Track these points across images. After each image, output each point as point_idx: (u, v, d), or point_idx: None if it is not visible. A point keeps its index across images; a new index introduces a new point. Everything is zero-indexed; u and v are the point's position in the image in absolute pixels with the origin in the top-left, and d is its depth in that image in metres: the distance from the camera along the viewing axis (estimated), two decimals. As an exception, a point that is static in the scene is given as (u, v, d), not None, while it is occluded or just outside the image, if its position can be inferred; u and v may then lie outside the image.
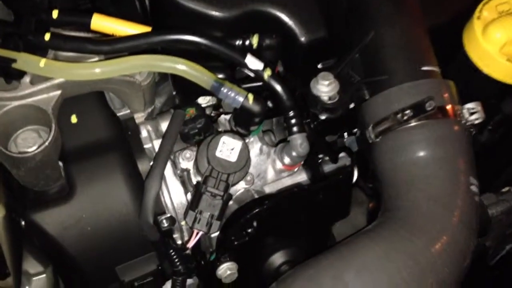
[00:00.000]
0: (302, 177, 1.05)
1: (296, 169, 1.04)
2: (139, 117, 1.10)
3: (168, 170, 1.04)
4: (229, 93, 0.91)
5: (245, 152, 0.89)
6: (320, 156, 1.00)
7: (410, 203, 0.84)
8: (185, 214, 0.88)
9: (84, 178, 0.95)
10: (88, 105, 1.00)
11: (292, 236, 0.93)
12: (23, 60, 0.86)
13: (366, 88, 0.96)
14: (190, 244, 0.88)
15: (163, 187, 1.05)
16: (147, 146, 1.06)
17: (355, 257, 0.79)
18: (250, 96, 0.92)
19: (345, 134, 1.10)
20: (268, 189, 1.02)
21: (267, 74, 0.93)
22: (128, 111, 1.08)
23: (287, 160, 0.98)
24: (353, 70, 0.98)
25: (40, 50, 0.91)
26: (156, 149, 1.04)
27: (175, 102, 1.24)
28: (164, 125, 1.09)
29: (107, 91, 1.03)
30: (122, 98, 1.04)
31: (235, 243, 0.88)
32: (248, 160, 0.89)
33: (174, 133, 0.91)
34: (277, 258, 0.92)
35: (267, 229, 0.91)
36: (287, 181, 1.03)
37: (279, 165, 1.01)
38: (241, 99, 0.91)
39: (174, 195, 1.04)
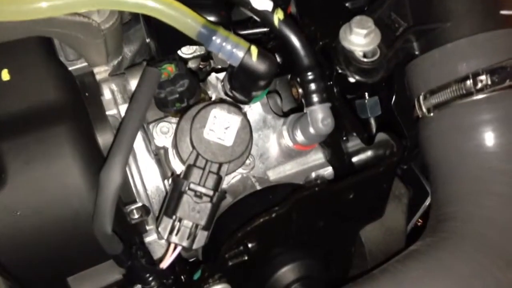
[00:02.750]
0: (318, 158, 0.78)
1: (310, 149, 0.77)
2: (100, 72, 0.83)
3: (140, 145, 0.78)
4: (224, 44, 0.64)
5: (244, 132, 0.62)
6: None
7: (480, 211, 0.58)
8: (158, 220, 0.62)
9: (19, 159, 0.68)
10: (26, 56, 0.72)
11: (306, 245, 0.67)
12: None
13: (416, 40, 0.68)
14: (165, 264, 0.62)
15: (133, 166, 0.79)
16: (110, 112, 0.79)
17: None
18: (254, 50, 0.64)
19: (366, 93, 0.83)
20: (272, 175, 0.76)
21: (277, 17, 0.65)
22: (85, 63, 0.80)
23: (300, 138, 0.71)
24: (398, 14, 0.70)
25: None
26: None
27: (152, 52, 0.95)
28: (134, 84, 0.81)
29: (52, 37, 0.74)
30: (76, 47, 0.76)
31: (230, 263, 0.62)
32: (249, 143, 0.62)
33: (145, 98, 0.63)
34: (286, 275, 0.66)
35: (273, 240, 0.65)
36: (298, 165, 0.77)
37: (288, 143, 0.74)
38: (241, 53, 0.64)
39: (148, 178, 0.79)
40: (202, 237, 0.60)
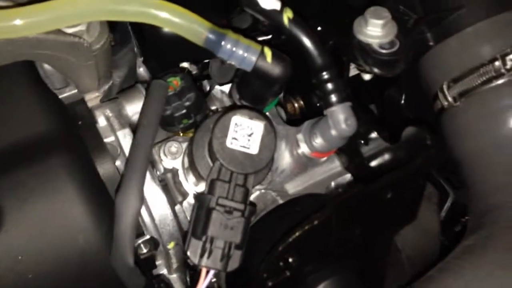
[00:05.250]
0: (334, 166, 0.74)
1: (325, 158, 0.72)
2: (91, 98, 0.76)
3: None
4: (235, 49, 0.59)
5: (269, 138, 0.57)
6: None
7: None
8: (186, 242, 0.55)
9: (15, 198, 0.61)
10: (11, 84, 0.65)
11: (341, 257, 0.62)
12: None
13: (429, 30, 0.65)
14: (198, 292, 0.56)
15: (137, 197, 0.72)
16: (108, 139, 0.72)
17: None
18: (268, 52, 0.59)
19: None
20: (291, 188, 0.71)
21: (287, 16, 0.61)
22: (75, 90, 0.74)
23: (320, 144, 0.66)
24: (406, 6, 0.67)
25: None
26: (122, 143, 0.72)
27: (137, 77, 0.90)
28: (130, 108, 0.76)
29: (39, 61, 0.68)
30: (65, 71, 0.70)
31: (270, 284, 0.56)
32: (274, 150, 0.57)
33: (155, 115, 0.57)
34: (324, 292, 0.61)
35: (314, 252, 0.59)
36: (316, 175, 0.72)
37: (305, 152, 0.69)
38: (254, 57, 0.59)
39: (154, 207, 0.72)
40: (236, 258, 0.54)
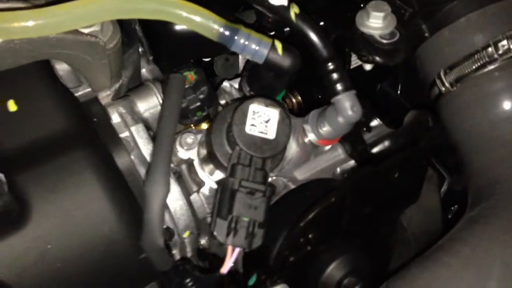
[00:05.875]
0: (338, 154, 0.78)
1: (329, 146, 0.77)
2: (103, 97, 0.79)
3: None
4: (247, 43, 0.63)
5: (285, 124, 0.61)
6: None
7: None
8: (212, 224, 0.59)
9: (42, 191, 0.63)
10: (30, 83, 0.68)
11: (353, 236, 0.66)
12: None
13: (425, 22, 0.70)
14: (225, 268, 0.59)
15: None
16: (122, 135, 0.75)
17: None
18: (278, 44, 0.64)
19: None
20: (299, 175, 0.75)
21: (293, 12, 0.65)
22: (88, 89, 0.77)
23: (327, 131, 0.70)
24: (402, 1, 0.72)
25: None
26: (136, 137, 0.75)
27: (141, 78, 0.93)
28: (141, 105, 0.79)
29: (57, 60, 0.71)
30: (81, 69, 0.73)
31: (291, 259, 0.59)
32: (290, 135, 0.61)
33: (176, 106, 0.61)
34: (337, 270, 0.65)
35: (330, 229, 0.63)
36: (322, 162, 0.76)
37: (312, 140, 0.73)
38: (265, 50, 0.63)
39: (170, 199, 0.75)
40: (259, 236, 0.58)
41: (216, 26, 0.63)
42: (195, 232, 0.77)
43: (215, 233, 0.57)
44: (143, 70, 0.95)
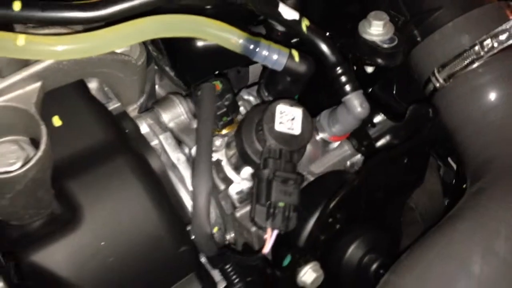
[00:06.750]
0: (346, 149, 0.87)
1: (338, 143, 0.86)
2: (131, 111, 0.87)
3: (186, 171, 0.82)
4: (268, 53, 0.72)
5: (308, 121, 0.70)
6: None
7: None
8: (252, 211, 0.67)
9: (91, 194, 0.70)
10: (70, 101, 0.75)
11: (369, 217, 0.75)
12: (-6, 40, 0.60)
13: (416, 28, 0.80)
14: (267, 249, 0.67)
15: (182, 190, 0.83)
16: (152, 143, 0.83)
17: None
18: (295, 53, 0.73)
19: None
20: (315, 169, 0.83)
21: (305, 25, 0.75)
22: (118, 104, 0.84)
23: (338, 128, 0.79)
24: (394, 10, 0.82)
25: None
26: (165, 144, 0.83)
27: (155, 94, 1.02)
28: (166, 116, 0.87)
29: (95, 78, 0.79)
30: (114, 85, 0.81)
31: (322, 237, 0.68)
32: (313, 130, 0.70)
33: (211, 110, 0.69)
34: (357, 249, 0.74)
35: (350, 212, 0.72)
36: (333, 157, 0.85)
37: (324, 137, 0.82)
38: (284, 58, 0.72)
39: (199, 198, 0.82)
40: (294, 219, 0.66)
41: (241, 41, 0.71)
42: (223, 228, 0.84)
43: (256, 218, 0.65)
44: (156, 87, 1.04)
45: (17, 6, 0.63)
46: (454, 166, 0.97)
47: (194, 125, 0.86)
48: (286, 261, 0.70)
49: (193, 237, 0.69)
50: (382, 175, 0.73)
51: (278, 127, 0.68)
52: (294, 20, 0.75)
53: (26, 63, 0.68)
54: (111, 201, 0.71)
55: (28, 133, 0.70)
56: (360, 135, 0.84)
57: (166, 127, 0.86)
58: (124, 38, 0.68)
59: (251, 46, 0.71)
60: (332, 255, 0.74)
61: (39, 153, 0.64)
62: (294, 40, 0.86)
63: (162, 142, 0.84)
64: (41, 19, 0.64)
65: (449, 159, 0.98)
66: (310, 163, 0.83)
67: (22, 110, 0.67)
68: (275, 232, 0.66)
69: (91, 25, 0.71)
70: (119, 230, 0.71)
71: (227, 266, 0.71)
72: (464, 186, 0.78)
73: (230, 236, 0.86)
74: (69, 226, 0.69)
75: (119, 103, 0.84)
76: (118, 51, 0.77)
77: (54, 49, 0.63)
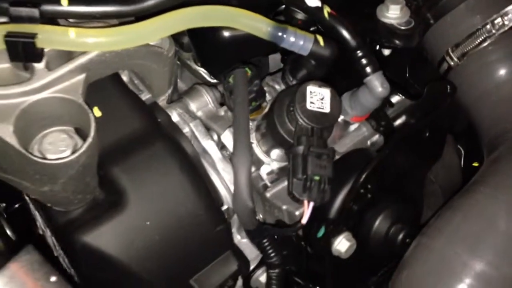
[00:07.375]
0: (366, 129, 0.92)
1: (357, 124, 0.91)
2: (160, 101, 0.91)
3: (215, 154, 0.87)
4: (295, 39, 0.76)
5: (336, 100, 0.75)
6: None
7: None
8: (289, 185, 0.72)
9: (135, 178, 0.75)
10: (109, 92, 0.80)
11: (394, 190, 0.80)
12: (47, 34, 0.65)
13: (429, 11, 0.85)
14: (305, 219, 0.72)
15: (213, 174, 0.87)
16: (184, 130, 0.88)
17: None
18: (320, 38, 0.78)
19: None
20: (338, 149, 0.88)
21: (326, 11, 0.79)
22: (149, 95, 0.89)
23: (359, 108, 0.84)
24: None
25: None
26: (195, 131, 0.87)
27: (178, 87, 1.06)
28: (193, 105, 0.92)
29: (130, 70, 0.83)
30: (147, 76, 0.85)
31: (354, 208, 0.73)
32: (341, 108, 0.75)
33: (245, 92, 0.74)
34: (384, 220, 0.79)
35: (380, 183, 0.77)
36: (354, 137, 0.90)
37: (346, 117, 0.87)
38: (310, 43, 0.77)
39: (230, 182, 0.87)
40: (328, 191, 0.71)
41: (269, 28, 0.76)
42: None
43: (294, 191, 0.70)
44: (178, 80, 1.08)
45: (64, 1, 0.68)
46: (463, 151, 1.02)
47: (221, 113, 0.91)
48: (321, 233, 0.75)
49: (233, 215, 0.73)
50: (407, 148, 0.78)
51: (309, 106, 0.73)
52: (317, 7, 0.79)
53: (70, 57, 0.72)
54: (153, 184, 0.76)
55: (73, 123, 0.74)
56: (378, 116, 0.89)
57: (195, 116, 0.90)
58: (164, 29, 0.72)
59: (279, 33, 0.76)
60: (362, 227, 0.79)
61: (89, 139, 0.68)
62: (312, 28, 0.91)
63: (193, 129, 0.88)
64: (87, 13, 0.68)
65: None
66: (333, 144, 0.88)
67: (70, 100, 0.71)
68: (311, 204, 0.71)
69: (124, 19, 0.76)
70: (162, 210, 0.75)
71: (265, 240, 0.76)
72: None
73: (259, 216, 0.91)
74: (116, 209, 0.73)
75: (150, 95, 0.89)
76: (152, 43, 0.81)
77: (101, 40, 0.67)
